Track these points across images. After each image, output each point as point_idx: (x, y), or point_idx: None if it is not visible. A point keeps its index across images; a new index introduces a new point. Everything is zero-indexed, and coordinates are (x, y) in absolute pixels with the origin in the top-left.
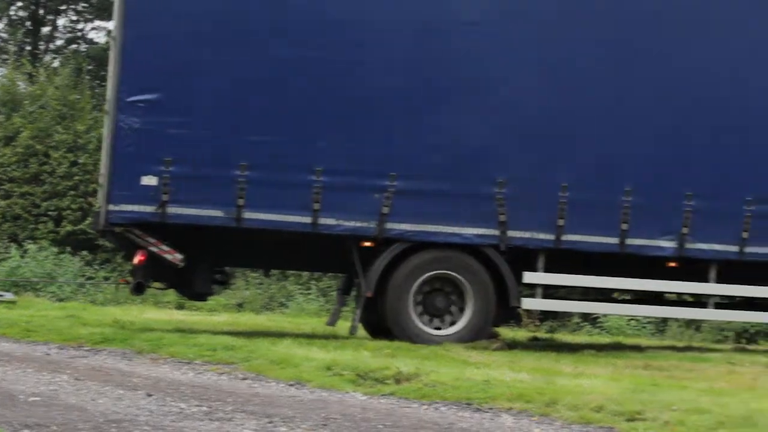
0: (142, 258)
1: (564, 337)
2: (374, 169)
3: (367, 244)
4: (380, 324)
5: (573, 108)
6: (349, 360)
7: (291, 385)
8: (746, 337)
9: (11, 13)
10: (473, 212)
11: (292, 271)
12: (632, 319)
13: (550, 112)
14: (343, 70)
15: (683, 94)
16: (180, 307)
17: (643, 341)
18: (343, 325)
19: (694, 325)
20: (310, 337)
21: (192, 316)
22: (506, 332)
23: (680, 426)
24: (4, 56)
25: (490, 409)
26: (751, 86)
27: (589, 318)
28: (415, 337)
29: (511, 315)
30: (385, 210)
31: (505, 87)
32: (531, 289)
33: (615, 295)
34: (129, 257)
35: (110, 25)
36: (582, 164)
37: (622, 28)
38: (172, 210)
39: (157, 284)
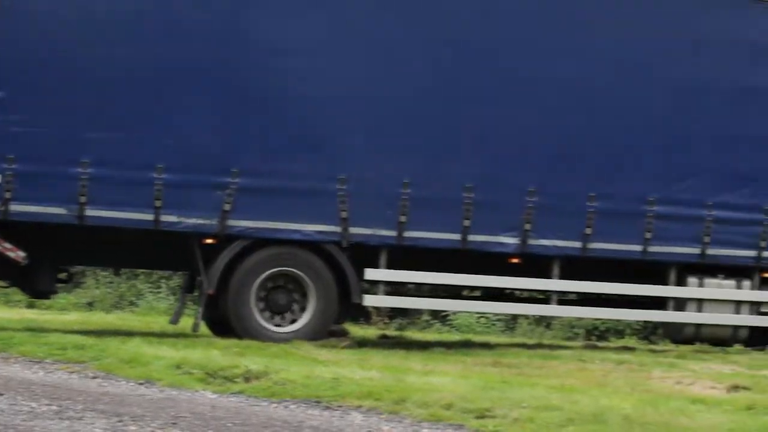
0: None
1: (413, 335)
2: (216, 167)
3: (210, 241)
4: (224, 322)
5: (409, 105)
6: (198, 358)
7: (141, 383)
8: (596, 335)
9: None
10: (315, 209)
11: (142, 270)
12: (482, 317)
13: (387, 107)
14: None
15: (512, 91)
16: (31, 306)
17: (492, 339)
18: (188, 323)
19: (545, 322)
20: (160, 335)
21: (43, 315)
22: (356, 330)
23: (530, 423)
24: None
25: (340, 407)
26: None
27: (438, 316)
28: (257, 335)
29: (353, 312)
30: (227, 207)
31: (344, 82)
32: (374, 286)
33: (466, 292)
34: None
35: None
36: (423, 161)
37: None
38: (15, 208)
39: None
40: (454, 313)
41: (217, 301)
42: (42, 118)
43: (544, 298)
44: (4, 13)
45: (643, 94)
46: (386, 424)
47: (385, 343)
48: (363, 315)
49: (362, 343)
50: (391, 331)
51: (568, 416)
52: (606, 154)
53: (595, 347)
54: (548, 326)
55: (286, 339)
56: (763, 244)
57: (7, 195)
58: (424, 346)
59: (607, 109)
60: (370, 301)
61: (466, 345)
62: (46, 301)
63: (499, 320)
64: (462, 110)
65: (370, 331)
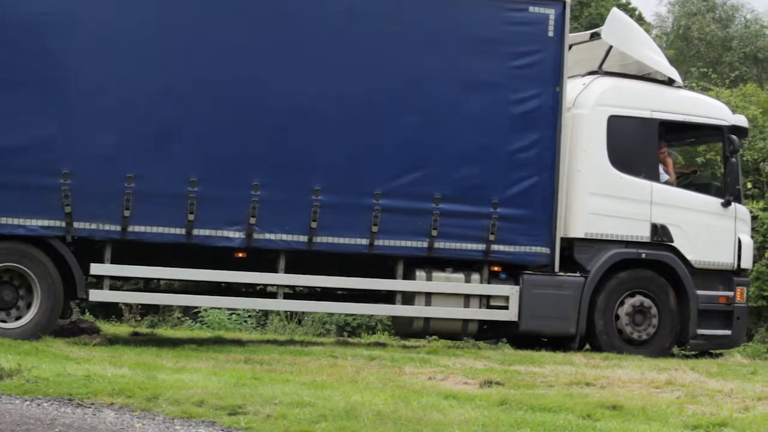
0: None
1: (165, 332)
2: None
3: None
4: None
5: (132, 99)
6: None
7: None
8: (348, 331)
9: None
10: (39, 204)
11: None
12: (233, 314)
13: (107, 100)
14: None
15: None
16: None
17: (244, 335)
18: None
19: (296, 318)
20: None
21: None
22: (107, 327)
23: (282, 419)
24: None
25: (92, 404)
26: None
27: (189, 312)
28: None
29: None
30: None
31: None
32: (99, 281)
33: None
34: None
35: None
36: (146, 155)
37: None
38: None
39: None
40: (205, 309)
41: None
42: None
43: (274, 292)
44: None
45: (369, 88)
46: (138, 421)
47: (136, 340)
48: (115, 312)
49: (114, 341)
50: (142, 329)
51: (321, 412)
52: (331, 147)
53: (347, 343)
54: (300, 322)
55: (11, 335)
56: (491, 237)
57: None
58: (175, 343)
59: (328, 103)
60: (96, 296)
61: (218, 342)
62: None
63: (250, 316)
64: (181, 105)
65: (122, 329)
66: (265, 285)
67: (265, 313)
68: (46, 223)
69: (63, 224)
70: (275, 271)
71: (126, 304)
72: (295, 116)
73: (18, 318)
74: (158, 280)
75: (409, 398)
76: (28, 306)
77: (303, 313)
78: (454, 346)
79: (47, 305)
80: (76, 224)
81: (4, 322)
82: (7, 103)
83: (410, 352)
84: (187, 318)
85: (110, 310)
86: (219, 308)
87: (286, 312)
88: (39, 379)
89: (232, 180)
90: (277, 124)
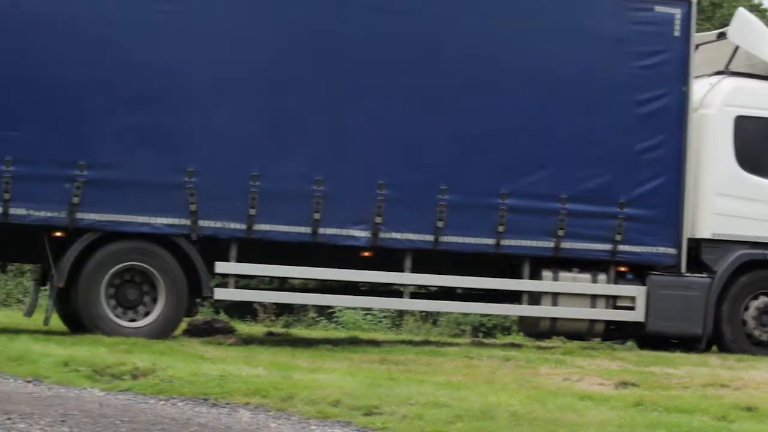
0: None
1: (300, 332)
2: (63, 159)
3: (59, 234)
4: (76, 316)
5: (259, 97)
6: (85, 356)
7: (29, 381)
8: (483, 331)
9: None
10: (164, 202)
11: (29, 267)
12: (368, 314)
13: (236, 99)
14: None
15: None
16: None
17: (379, 336)
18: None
19: (431, 319)
20: (48, 333)
21: None
22: (242, 327)
23: (418, 420)
24: None
25: (227, 404)
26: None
27: (324, 312)
28: (107, 330)
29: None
30: (75, 200)
31: (190, 74)
32: (224, 279)
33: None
34: None
35: None
36: (272, 153)
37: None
38: None
39: None
40: (340, 309)
41: (69, 295)
42: None
43: (400, 291)
44: None
45: (494, 87)
46: (274, 421)
47: (271, 340)
48: (250, 312)
49: (249, 341)
50: (277, 328)
51: (456, 413)
52: (457, 146)
53: (482, 344)
54: (435, 323)
55: (136, 334)
56: (618, 237)
57: None
58: (310, 343)
59: (456, 102)
60: (221, 294)
61: (353, 342)
62: None
63: (385, 317)
64: (312, 103)
65: (257, 328)
66: (391, 284)
67: (401, 314)
68: (170, 221)
69: (188, 222)
70: (399, 270)
71: (260, 304)
72: (422, 116)
73: (144, 316)
74: (284, 278)
75: (544, 399)
76: (154, 304)
77: (438, 313)
78: (589, 347)
79: (171, 304)
80: (201, 222)
81: (131, 320)
82: (131, 102)
83: (545, 353)
84: (322, 318)
85: (245, 310)
86: (348, 307)
87: (421, 312)
88: (174, 379)
89: (358, 179)
90: (403, 123)
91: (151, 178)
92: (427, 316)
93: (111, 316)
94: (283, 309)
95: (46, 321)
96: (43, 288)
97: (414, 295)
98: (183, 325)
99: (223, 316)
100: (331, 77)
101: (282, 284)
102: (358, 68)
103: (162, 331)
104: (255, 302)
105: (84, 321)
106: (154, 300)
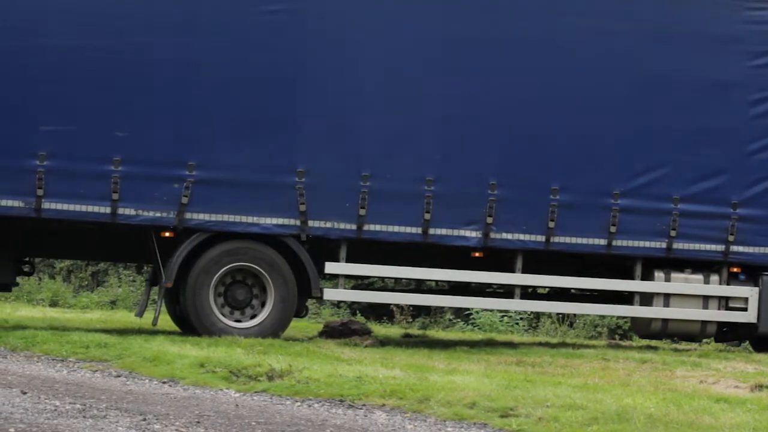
0: None
1: (436, 333)
2: (173, 159)
3: (167, 234)
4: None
5: (369, 96)
6: (221, 357)
7: (164, 382)
8: (620, 334)
9: None
10: (273, 202)
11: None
12: (505, 316)
13: (347, 97)
14: (128, 62)
15: (472, 84)
16: (53, 304)
17: (515, 337)
18: (165, 318)
19: (567, 321)
20: (183, 334)
21: (65, 313)
22: (378, 329)
23: (554, 422)
24: None
25: (363, 405)
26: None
27: (461, 314)
28: (216, 331)
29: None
30: (184, 200)
31: (303, 72)
32: (334, 280)
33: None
34: None
35: None
36: (381, 154)
37: None
38: None
39: None
40: (471, 310)
41: (178, 296)
42: None
43: (509, 292)
44: None
45: (608, 86)
46: (410, 423)
47: (408, 341)
48: (386, 314)
49: (385, 342)
50: (414, 330)
51: (592, 415)
52: (570, 146)
53: (619, 346)
54: (571, 325)
55: (245, 335)
56: (731, 238)
57: None
58: (447, 344)
59: (571, 102)
60: (330, 295)
61: (489, 344)
62: (69, 300)
63: (521, 319)
64: (422, 103)
65: (393, 330)
66: (501, 285)
67: (537, 316)
68: (280, 221)
69: (298, 222)
70: (510, 270)
71: (397, 306)
72: (531, 116)
73: (252, 317)
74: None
75: (680, 401)
76: (263, 305)
77: (575, 315)
78: (725, 350)
79: (281, 304)
80: (310, 223)
81: (239, 321)
82: (241, 100)
83: (681, 356)
84: (459, 320)
85: (381, 312)
86: (457, 307)
87: (557, 314)
88: (310, 380)
89: (469, 179)
90: (512, 123)
91: (260, 177)
92: (564, 318)
93: (220, 316)
94: (419, 310)
95: (155, 321)
96: (155, 287)
97: (524, 296)
98: (319, 326)
99: (359, 318)
100: (435, 82)
101: (419, 286)
102: (474, 68)
103: (271, 331)
104: (391, 304)
105: (192, 321)
106: (263, 301)
